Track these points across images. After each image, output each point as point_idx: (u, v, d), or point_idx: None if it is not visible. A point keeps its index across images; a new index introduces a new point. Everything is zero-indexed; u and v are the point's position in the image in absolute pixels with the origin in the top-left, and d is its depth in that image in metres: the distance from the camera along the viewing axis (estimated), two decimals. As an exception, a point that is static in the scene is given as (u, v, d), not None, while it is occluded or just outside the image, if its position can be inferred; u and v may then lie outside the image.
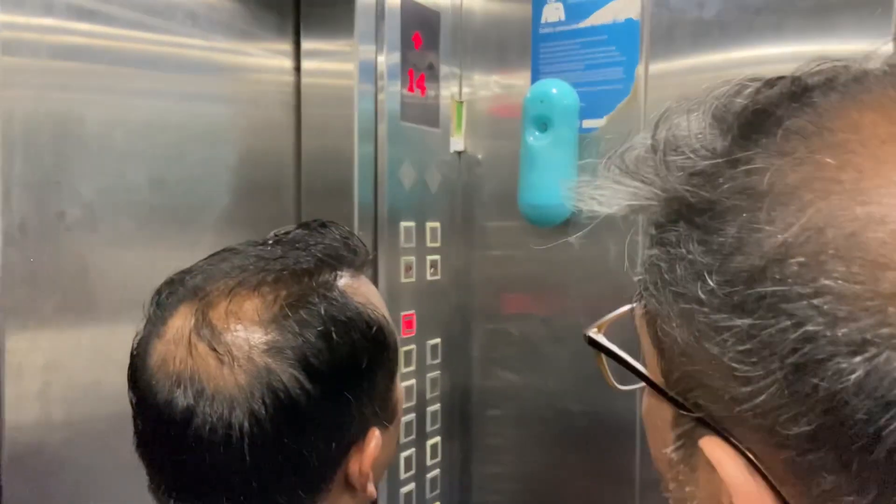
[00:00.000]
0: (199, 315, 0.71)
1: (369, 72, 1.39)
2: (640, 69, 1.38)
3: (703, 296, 0.39)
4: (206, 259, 0.78)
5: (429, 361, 1.53)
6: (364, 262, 0.81)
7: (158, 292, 0.76)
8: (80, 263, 1.07)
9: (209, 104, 1.28)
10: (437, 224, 1.56)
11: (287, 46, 1.42)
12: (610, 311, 0.50)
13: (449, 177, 1.60)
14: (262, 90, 1.37)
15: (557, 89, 1.46)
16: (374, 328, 0.75)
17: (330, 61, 1.39)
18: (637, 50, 1.40)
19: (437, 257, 1.56)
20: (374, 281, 1.37)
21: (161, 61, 1.20)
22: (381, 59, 1.40)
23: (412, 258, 1.49)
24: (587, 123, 1.46)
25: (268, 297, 0.72)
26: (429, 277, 1.53)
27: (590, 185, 0.45)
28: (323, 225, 0.82)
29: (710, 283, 0.39)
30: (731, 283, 0.38)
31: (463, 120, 1.61)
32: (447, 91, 1.58)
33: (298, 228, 0.82)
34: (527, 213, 1.50)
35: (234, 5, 1.31)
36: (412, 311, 1.49)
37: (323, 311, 0.72)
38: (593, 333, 0.50)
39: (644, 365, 0.46)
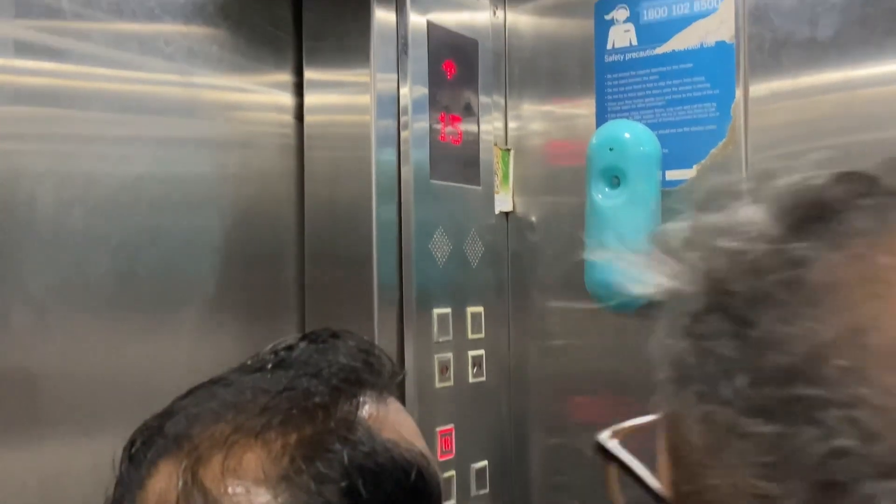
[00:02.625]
0: (187, 475, 0.70)
1: (389, 105, 1.42)
2: (737, 103, 1.44)
3: (729, 396, 0.43)
4: (187, 395, 0.77)
5: (473, 492, 1.54)
6: (390, 382, 0.81)
7: (131, 443, 0.75)
8: (24, 373, 1.09)
9: (189, 155, 1.33)
10: (481, 309, 1.57)
11: (286, 77, 1.47)
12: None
13: (494, 247, 1.61)
14: (255, 133, 1.43)
15: (631, 133, 1.49)
16: (413, 474, 0.74)
17: (339, 93, 1.44)
18: (733, 80, 1.45)
19: (481, 352, 1.57)
20: (400, 388, 1.23)
21: (130, 102, 1.25)
22: (405, 91, 1.43)
23: (449, 355, 1.50)
24: (672, 175, 1.50)
25: (274, 447, 0.71)
26: (471, 379, 1.53)
27: (625, 259, 0.50)
28: (334, 335, 0.82)
29: (740, 381, 0.42)
30: (761, 383, 0.42)
31: (510, 172, 1.63)
32: (489, 137, 1.61)
33: (303, 341, 0.81)
34: (597, 293, 1.51)
35: (216, 31, 1.37)
36: (450, 426, 1.49)
37: (346, 460, 0.71)
38: (606, 440, 0.53)
39: (657, 479, 0.49)
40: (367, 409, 0.75)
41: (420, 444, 0.77)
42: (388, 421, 0.76)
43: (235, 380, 0.77)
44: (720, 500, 0.44)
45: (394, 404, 0.79)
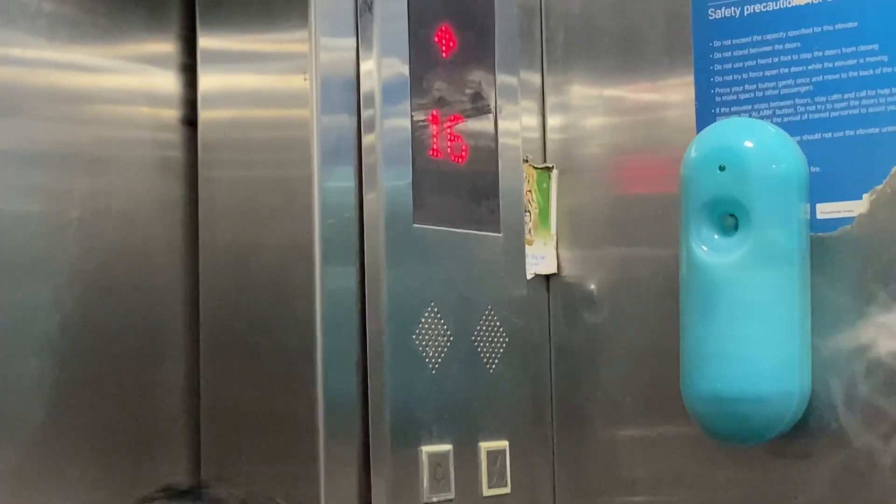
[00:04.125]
0: None
1: (343, 92, 1.37)
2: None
3: None
4: None
5: None
6: None
7: None
8: None
9: (5, 182, 1.28)
10: (504, 444, 1.48)
11: (166, 47, 1.44)
12: None
13: (526, 336, 1.55)
14: (114, 142, 1.38)
15: (756, 141, 1.46)
16: None
17: (256, 71, 1.40)
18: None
19: None
20: None
21: None
22: (369, 67, 1.38)
23: None
24: (826, 210, 1.46)
25: None
26: None
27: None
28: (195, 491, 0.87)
29: None
30: None
31: (552, 207, 1.61)
32: (514, 146, 1.54)
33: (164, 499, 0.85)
34: (703, 414, 1.47)
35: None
36: None
37: None
38: None
39: None
40: None
41: None
42: None
43: None
44: None
45: None
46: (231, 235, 1.39)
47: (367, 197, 1.36)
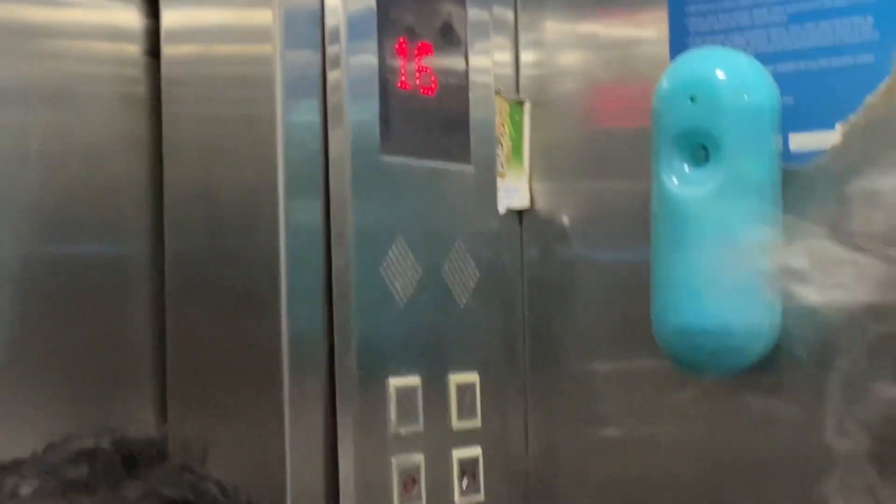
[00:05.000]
0: None
1: (307, 26, 1.37)
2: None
3: None
4: None
5: None
6: None
7: None
8: None
9: None
10: (475, 378, 1.48)
11: None
12: None
13: (498, 270, 1.55)
14: (75, 77, 1.37)
15: (727, 71, 1.46)
16: None
17: (221, 6, 1.39)
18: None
19: (475, 453, 1.47)
20: None
21: None
22: (335, 0, 1.38)
23: (418, 458, 1.40)
24: (799, 142, 1.45)
25: None
26: (458, 500, 1.44)
27: (809, 255, 0.50)
28: (155, 458, 0.87)
29: None
30: None
31: (525, 141, 1.60)
32: (486, 80, 1.54)
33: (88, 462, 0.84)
34: (673, 347, 1.47)
35: None
36: None
37: None
38: None
39: None
40: None
41: None
42: None
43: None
44: None
45: None
46: (196, 171, 1.39)
47: (333, 129, 1.36)
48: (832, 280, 0.56)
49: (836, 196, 1.40)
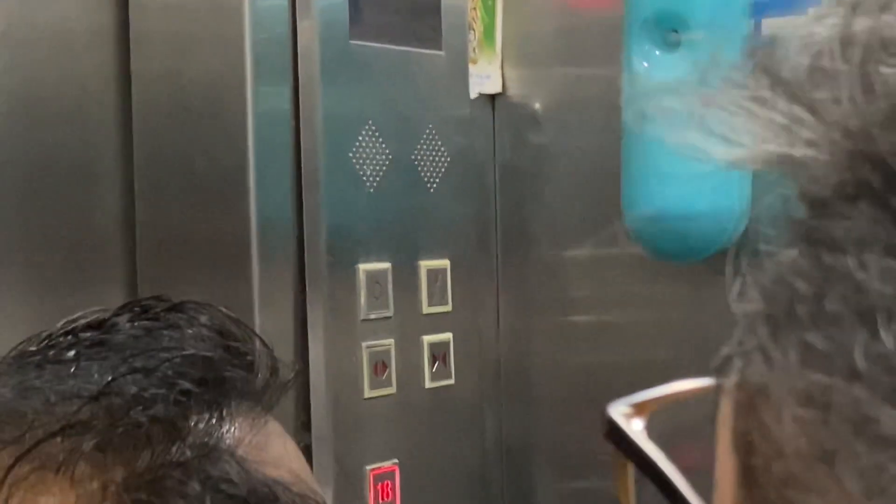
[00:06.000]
0: None
1: None
2: None
3: (864, 361, 0.35)
4: None
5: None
6: (270, 386, 0.79)
7: None
8: None
9: None
10: (445, 263, 1.50)
11: None
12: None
13: (469, 155, 1.56)
14: None
15: None
16: None
17: None
18: None
19: (446, 338, 1.48)
20: (301, 398, 1.35)
21: None
22: None
23: (388, 343, 1.42)
24: (771, 26, 1.46)
25: (88, 488, 0.70)
26: (429, 384, 1.46)
27: (701, 104, 0.41)
28: (175, 308, 0.80)
29: (884, 335, 0.35)
30: None
31: (498, 24, 1.60)
32: None
33: (122, 315, 0.79)
34: (643, 232, 1.49)
35: None
36: (391, 464, 1.44)
37: None
38: (621, 416, 0.47)
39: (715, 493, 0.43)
40: (237, 429, 0.75)
41: (316, 487, 0.78)
42: (270, 449, 0.77)
43: (14, 377, 0.77)
44: None
45: (273, 423, 0.79)
46: (164, 59, 1.39)
47: (301, 15, 1.36)
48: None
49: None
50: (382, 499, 1.44)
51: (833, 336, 0.37)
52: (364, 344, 1.39)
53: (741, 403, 0.42)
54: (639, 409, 0.48)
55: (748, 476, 0.42)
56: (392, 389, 1.43)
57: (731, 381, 0.42)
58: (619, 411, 0.48)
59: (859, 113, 0.39)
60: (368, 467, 1.41)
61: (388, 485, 1.44)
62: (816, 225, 0.40)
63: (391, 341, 1.42)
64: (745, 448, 0.42)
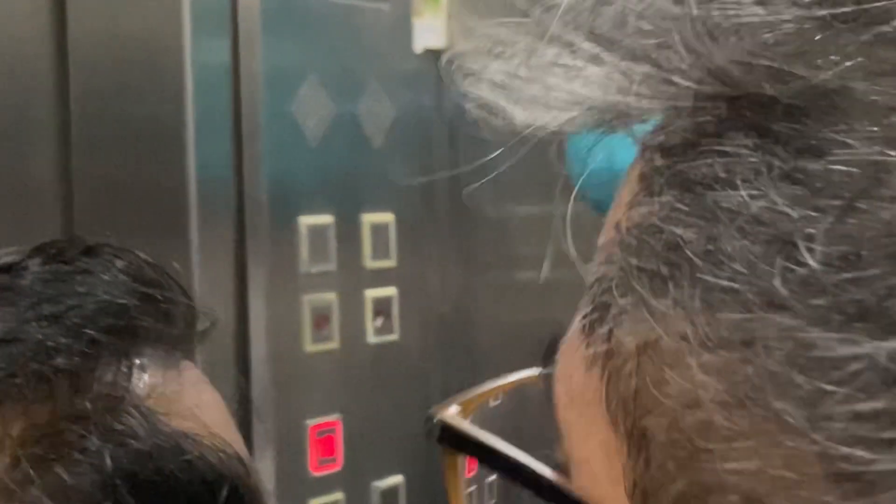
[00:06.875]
0: None
1: None
2: None
3: (785, 289, 0.34)
4: None
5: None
6: (186, 334, 0.72)
7: None
8: None
9: None
10: (390, 217, 1.54)
11: None
12: None
13: (414, 110, 1.59)
14: None
15: None
16: (224, 491, 0.64)
17: None
18: None
19: (389, 292, 1.53)
20: (240, 352, 1.36)
21: None
22: None
23: (331, 297, 1.45)
24: None
25: None
26: (372, 339, 1.50)
27: (515, 62, 0.39)
28: (89, 251, 0.72)
29: (808, 258, 0.34)
30: (855, 262, 0.34)
31: None
32: None
33: (33, 258, 0.72)
34: (594, 191, 1.33)
35: None
36: (333, 419, 1.47)
37: (108, 464, 0.62)
38: (450, 416, 0.47)
39: (567, 477, 0.40)
40: (146, 379, 0.67)
41: (234, 439, 0.69)
42: (182, 400, 0.69)
43: None
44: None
45: (191, 372, 0.71)
46: (101, 9, 1.37)
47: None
48: None
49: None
50: (323, 455, 1.45)
51: (739, 272, 0.35)
52: (305, 297, 1.42)
53: (616, 368, 0.39)
54: (465, 407, 0.48)
55: (639, 440, 0.39)
56: (335, 344, 1.45)
57: (592, 351, 0.40)
58: (446, 413, 0.48)
59: (710, 56, 0.37)
60: (309, 422, 1.43)
61: (329, 439, 1.46)
62: (685, 168, 0.40)
63: (333, 295, 1.44)
64: (631, 412, 0.39)
